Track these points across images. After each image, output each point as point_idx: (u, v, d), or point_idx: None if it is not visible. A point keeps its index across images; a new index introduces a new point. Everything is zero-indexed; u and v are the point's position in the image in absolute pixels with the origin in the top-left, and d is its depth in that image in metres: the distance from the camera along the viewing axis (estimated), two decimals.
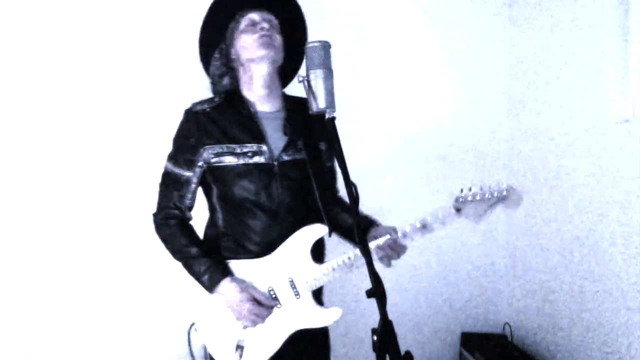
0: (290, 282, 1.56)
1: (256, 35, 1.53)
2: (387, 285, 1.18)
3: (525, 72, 2.77)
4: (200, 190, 1.66)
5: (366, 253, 1.19)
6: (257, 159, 1.54)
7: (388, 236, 1.51)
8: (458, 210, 1.52)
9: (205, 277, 1.54)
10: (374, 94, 2.76)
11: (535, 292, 2.71)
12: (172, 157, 1.61)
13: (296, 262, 1.56)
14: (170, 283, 2.24)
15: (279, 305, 1.56)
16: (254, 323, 1.54)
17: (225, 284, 1.52)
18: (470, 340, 2.74)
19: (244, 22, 1.56)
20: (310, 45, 1.26)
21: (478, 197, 1.50)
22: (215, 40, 1.62)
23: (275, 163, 1.56)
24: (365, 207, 1.69)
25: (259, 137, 1.56)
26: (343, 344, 2.51)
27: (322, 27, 1.74)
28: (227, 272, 1.55)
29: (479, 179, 2.80)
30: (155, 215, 1.63)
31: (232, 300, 1.52)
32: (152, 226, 1.64)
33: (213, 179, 1.59)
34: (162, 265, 1.78)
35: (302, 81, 1.26)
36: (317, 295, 1.64)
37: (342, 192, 1.52)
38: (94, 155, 2.47)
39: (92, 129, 2.46)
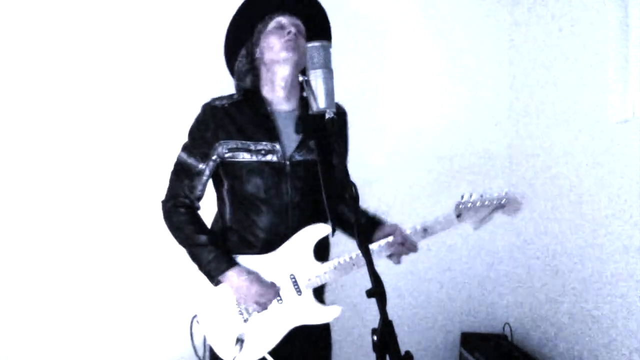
0: (292, 278, 1.59)
1: (283, 39, 1.56)
2: (387, 285, 1.18)
3: (526, 72, 2.77)
4: (210, 183, 1.68)
5: (366, 253, 1.19)
6: (270, 158, 1.58)
7: (396, 234, 1.55)
8: (459, 215, 1.55)
9: (212, 265, 1.56)
10: (376, 95, 2.76)
11: (535, 292, 2.71)
12: (187, 148, 1.64)
13: (299, 259, 1.59)
14: (173, 276, 2.25)
15: (280, 301, 1.59)
16: (261, 306, 1.56)
17: (232, 271, 1.55)
18: (470, 340, 2.74)
19: (272, 24, 1.60)
20: (311, 45, 1.27)
21: (478, 204, 1.54)
22: (242, 38, 1.65)
23: (287, 162, 1.59)
24: (369, 207, 1.72)
25: (273, 136, 1.59)
26: (343, 344, 2.51)
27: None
28: (233, 262, 1.58)
29: (480, 180, 2.82)
30: (164, 202, 1.66)
31: (239, 285, 1.55)
32: (160, 215, 1.66)
33: (225, 173, 1.62)
34: (164, 258, 1.80)
35: (302, 81, 1.27)
36: (319, 293, 1.66)
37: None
38: (96, 148, 2.47)
39: (94, 125, 2.47)
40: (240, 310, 1.60)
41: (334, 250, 1.73)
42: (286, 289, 1.59)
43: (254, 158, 1.57)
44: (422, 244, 1.53)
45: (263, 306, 1.56)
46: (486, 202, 1.54)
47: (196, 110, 1.66)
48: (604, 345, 2.21)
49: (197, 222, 1.64)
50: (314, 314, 1.60)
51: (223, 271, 1.56)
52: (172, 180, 1.66)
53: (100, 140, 2.48)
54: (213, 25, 1.90)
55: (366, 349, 1.58)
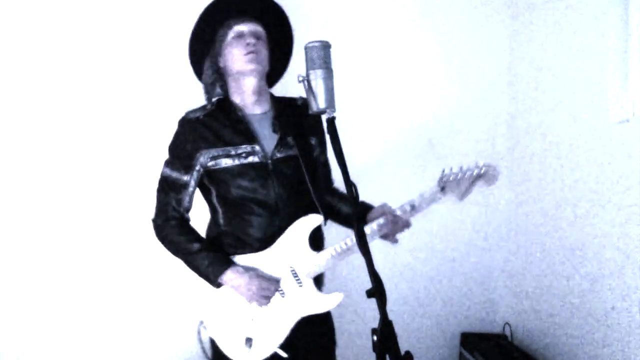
0: (292, 271, 1.62)
1: (243, 51, 1.58)
2: (387, 285, 1.18)
3: (525, 72, 2.77)
4: (199, 193, 1.71)
5: (366, 253, 1.19)
6: (252, 159, 1.61)
7: (387, 214, 1.62)
8: (442, 188, 1.64)
9: (210, 269, 1.59)
10: (371, 92, 2.76)
11: (535, 292, 2.71)
12: (169, 163, 1.67)
13: (296, 252, 1.62)
14: (178, 282, 2.25)
15: (282, 294, 1.61)
16: (265, 299, 1.59)
17: (229, 272, 1.58)
18: (470, 340, 2.74)
19: (230, 34, 1.62)
20: (311, 45, 1.27)
21: (459, 176, 1.64)
22: (204, 51, 1.68)
23: (269, 161, 1.63)
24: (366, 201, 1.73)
25: (251, 138, 1.63)
26: (343, 344, 2.50)
27: (322, 25, 1.75)
28: (230, 262, 1.61)
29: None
30: (154, 220, 1.70)
31: (240, 283, 1.58)
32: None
33: (211, 181, 1.65)
34: (168, 266, 1.81)
35: (302, 81, 1.27)
36: (319, 283, 1.70)
37: (342, 188, 1.55)
38: (103, 156, 2.49)
39: (98, 134, 2.48)
40: (244, 310, 1.61)
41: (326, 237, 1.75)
42: (287, 281, 1.62)
43: (236, 162, 1.60)
44: (423, 244, 1.55)
45: (267, 299, 1.59)
46: (467, 173, 1.64)
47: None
48: (604, 345, 2.21)
49: (189, 231, 1.68)
50: (317, 303, 1.63)
51: (221, 273, 1.58)
52: (158, 197, 1.69)
53: (108, 146, 2.49)
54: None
55: (366, 349, 1.59)
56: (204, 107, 1.68)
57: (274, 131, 1.65)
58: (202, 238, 1.68)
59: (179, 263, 1.67)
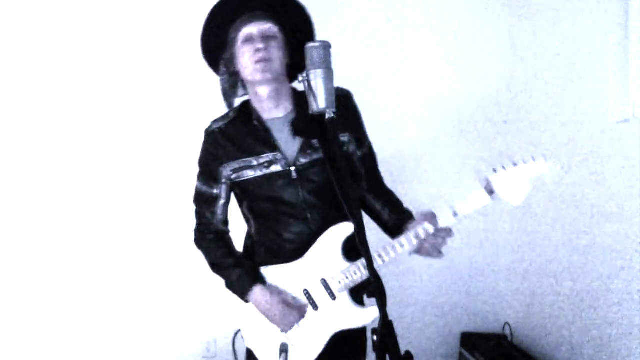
0: (324, 283, 1.54)
1: (253, 57, 1.48)
2: (387, 285, 1.18)
3: (525, 72, 2.77)
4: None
5: (366, 253, 1.19)
6: (274, 168, 1.54)
7: (425, 226, 1.47)
8: (491, 192, 1.44)
9: (237, 286, 1.58)
10: (371, 93, 2.76)
11: (535, 292, 2.71)
12: (200, 177, 1.66)
13: (327, 262, 1.54)
14: (216, 292, 2.24)
15: (316, 308, 1.55)
16: (287, 326, 1.54)
17: (255, 291, 1.55)
18: (470, 340, 2.74)
19: (241, 37, 1.52)
20: (311, 45, 1.26)
21: (510, 175, 1.41)
22: (217, 52, 1.59)
23: (292, 168, 1.54)
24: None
25: (272, 146, 1.55)
26: None
27: (325, 21, 1.72)
28: (256, 280, 1.56)
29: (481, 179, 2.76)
30: (195, 230, 1.70)
31: (262, 306, 1.54)
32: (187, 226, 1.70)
33: (239, 192, 1.63)
34: (206, 275, 1.78)
35: (302, 81, 1.27)
36: (357, 294, 1.57)
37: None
38: (121, 151, 2.52)
39: (116, 130, 2.52)
40: None
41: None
42: (320, 295, 1.54)
43: (259, 172, 1.54)
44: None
45: (284, 328, 1.54)
46: (519, 172, 1.41)
47: (204, 111, 1.69)
48: (604, 345, 2.21)
49: (223, 246, 1.65)
50: (352, 318, 1.54)
51: (249, 291, 1.55)
52: (195, 209, 1.69)
53: (128, 143, 2.52)
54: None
55: (366, 349, 1.59)
56: (226, 115, 1.63)
57: (294, 135, 1.55)
58: (236, 252, 1.66)
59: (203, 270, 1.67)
